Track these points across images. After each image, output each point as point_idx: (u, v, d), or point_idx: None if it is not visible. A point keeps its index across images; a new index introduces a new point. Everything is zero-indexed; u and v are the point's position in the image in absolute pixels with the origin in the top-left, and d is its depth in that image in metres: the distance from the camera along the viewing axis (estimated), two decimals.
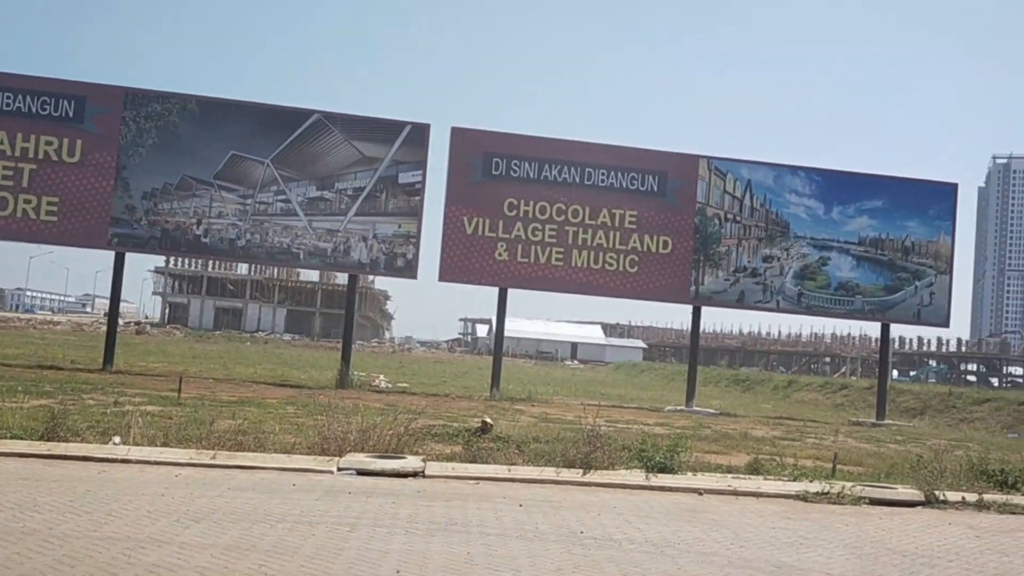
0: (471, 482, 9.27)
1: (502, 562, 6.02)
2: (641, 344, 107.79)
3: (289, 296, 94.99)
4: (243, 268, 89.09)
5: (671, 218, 24.26)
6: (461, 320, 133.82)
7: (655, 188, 24.24)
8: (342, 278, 60.20)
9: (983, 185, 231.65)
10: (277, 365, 33.13)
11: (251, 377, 24.30)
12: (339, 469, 9.37)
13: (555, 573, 5.83)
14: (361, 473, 9.29)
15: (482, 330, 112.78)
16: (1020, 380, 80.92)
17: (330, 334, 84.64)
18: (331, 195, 23.35)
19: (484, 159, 23.61)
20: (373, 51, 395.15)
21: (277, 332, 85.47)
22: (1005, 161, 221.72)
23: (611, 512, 8.11)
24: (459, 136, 23.77)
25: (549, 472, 9.84)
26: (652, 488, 9.54)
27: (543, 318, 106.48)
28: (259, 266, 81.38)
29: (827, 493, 9.61)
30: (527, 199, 23.60)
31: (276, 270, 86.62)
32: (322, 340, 78.27)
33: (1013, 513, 9.39)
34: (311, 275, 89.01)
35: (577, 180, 23.87)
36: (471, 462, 10.24)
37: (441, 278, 23.40)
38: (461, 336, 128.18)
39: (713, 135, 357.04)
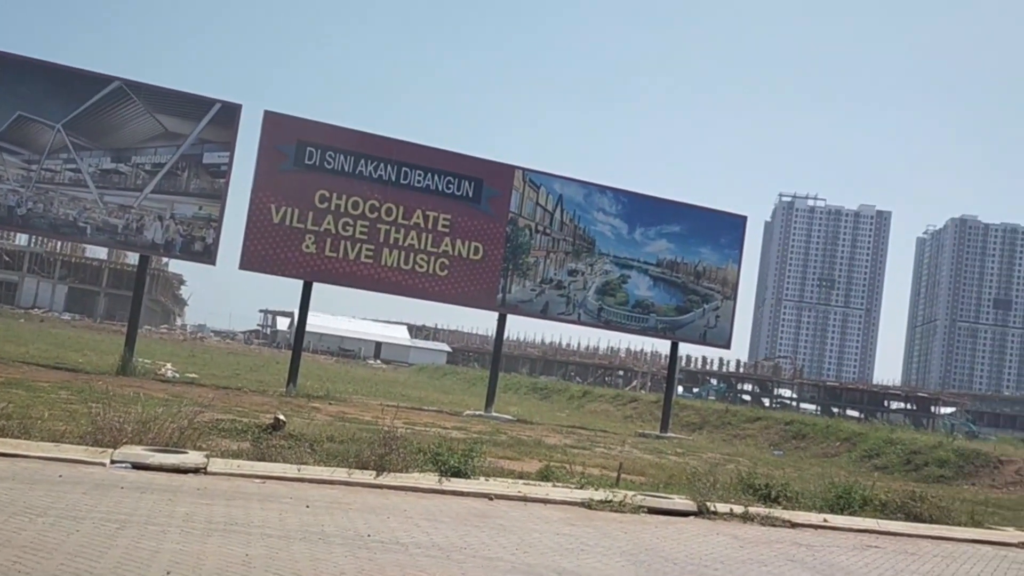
0: (257, 481, 8.92)
1: (282, 565, 5.81)
2: (446, 347, 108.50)
3: (72, 273, 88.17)
4: (22, 239, 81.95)
5: (484, 225, 24.54)
6: (261, 311, 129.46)
7: (470, 194, 24.45)
8: (132, 258, 56.70)
9: (769, 220, 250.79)
10: (53, 346, 30.66)
11: (22, 357, 22.36)
12: (113, 462, 8.75)
13: None
14: (137, 467, 8.72)
15: (283, 323, 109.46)
16: (788, 401, 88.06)
17: (115, 316, 79.32)
18: (127, 169, 21.89)
19: (297, 147, 22.92)
20: (185, 23, 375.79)
21: (56, 310, 79.14)
22: (790, 199, 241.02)
23: (401, 515, 8.04)
24: (272, 121, 22.95)
25: (341, 473, 9.63)
26: (444, 492, 9.56)
27: (348, 315, 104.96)
28: (40, 238, 75.17)
29: (610, 501, 9.99)
30: (340, 192, 23.14)
31: (59, 244, 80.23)
32: (106, 322, 73.25)
33: (774, 526, 10.14)
34: (98, 252, 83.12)
35: (393, 178, 23.68)
36: (259, 460, 9.86)
37: (242, 266, 22.47)
38: (260, 328, 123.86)
39: (528, 147, 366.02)
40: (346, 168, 23.28)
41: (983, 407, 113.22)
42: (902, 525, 11.13)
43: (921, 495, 12.35)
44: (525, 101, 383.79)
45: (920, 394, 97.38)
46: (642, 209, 26.80)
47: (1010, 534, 11.53)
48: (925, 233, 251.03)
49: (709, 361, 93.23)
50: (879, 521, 11.14)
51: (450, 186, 24.23)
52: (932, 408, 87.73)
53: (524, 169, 25.46)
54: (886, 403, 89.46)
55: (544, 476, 11.29)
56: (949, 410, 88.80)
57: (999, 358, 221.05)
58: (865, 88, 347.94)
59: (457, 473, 10.19)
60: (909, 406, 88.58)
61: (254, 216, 22.42)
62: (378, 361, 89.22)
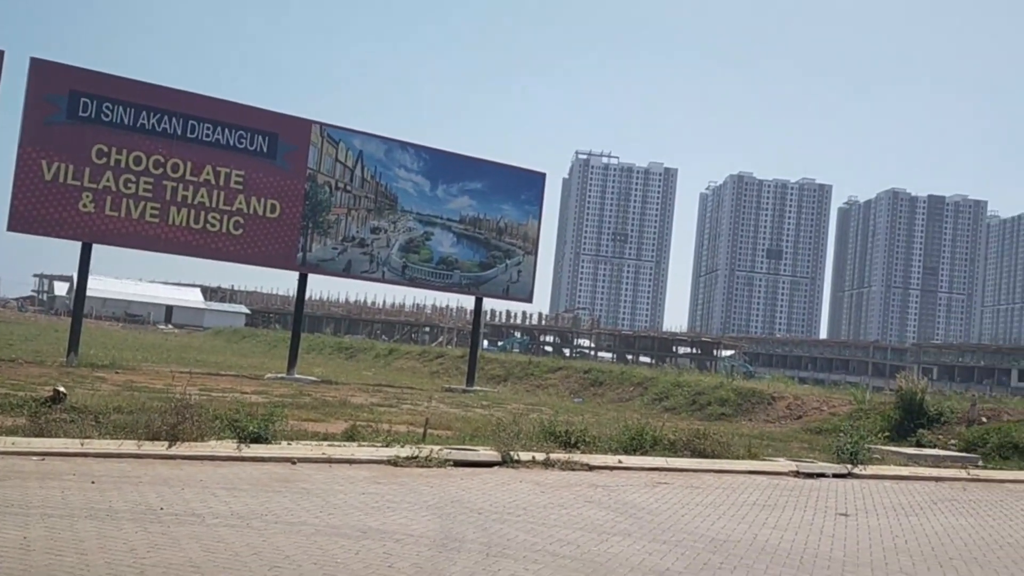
0: (35, 458, 8.27)
1: (66, 546, 5.43)
2: (244, 309, 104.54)
3: None
4: None
5: (280, 182, 23.71)
6: (36, 276, 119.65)
7: (265, 149, 23.51)
8: None
9: (567, 177, 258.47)
10: None
11: None
12: None
13: (128, 554, 5.38)
14: None
15: (61, 288, 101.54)
16: (587, 351, 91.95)
17: None
18: None
19: (70, 98, 21.08)
20: None
21: None
22: (586, 157, 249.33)
23: (197, 486, 7.71)
24: (40, 69, 20.95)
25: (129, 445, 9.09)
26: (244, 459, 9.26)
27: (135, 277, 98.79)
28: None
29: (416, 457, 10.05)
30: (120, 147, 21.55)
31: None
32: None
33: (573, 470, 10.58)
34: None
35: (179, 132, 22.31)
36: (37, 436, 9.15)
37: (11, 228, 20.55)
38: (35, 294, 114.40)
39: (325, 102, 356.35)
40: (126, 121, 21.67)
41: (759, 349, 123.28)
42: (688, 461, 11.93)
43: (704, 433, 13.28)
44: (320, 52, 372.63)
45: (704, 339, 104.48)
46: (444, 166, 26.83)
47: (781, 464, 12.65)
48: (707, 189, 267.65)
49: (513, 315, 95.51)
50: (668, 459, 11.89)
51: (242, 140, 23.16)
52: (714, 351, 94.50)
53: (321, 124, 24.77)
54: (674, 348, 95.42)
55: (350, 436, 11.20)
56: (729, 353, 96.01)
57: (772, 304, 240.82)
58: (653, 48, 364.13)
59: (257, 439, 9.89)
60: (695, 350, 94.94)
61: (22, 173, 20.49)
62: (169, 326, 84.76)
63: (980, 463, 15.06)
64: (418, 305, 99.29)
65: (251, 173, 23.20)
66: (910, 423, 18.33)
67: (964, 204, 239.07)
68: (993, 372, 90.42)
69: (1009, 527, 9.13)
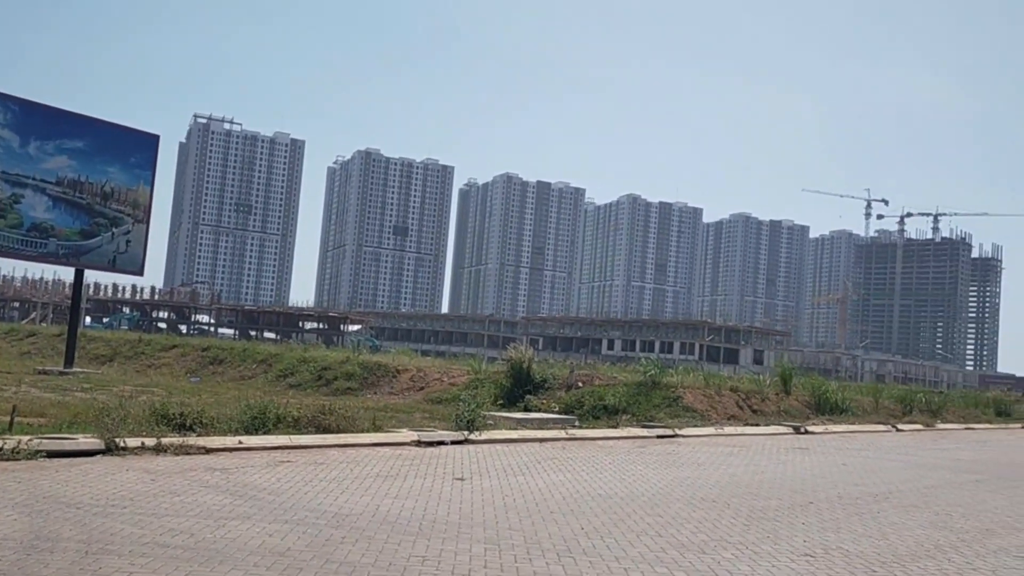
0: None
1: None
2: None
3: None
4: None
5: None
6: None
7: None
8: None
9: (184, 141, 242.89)
10: None
11: None
12: None
13: None
14: None
15: None
16: (205, 327, 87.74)
17: None
18: None
19: None
20: None
21: None
22: (205, 121, 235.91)
23: None
24: None
25: None
26: None
27: None
28: None
29: (1, 449, 8.78)
30: None
31: None
32: None
33: (188, 454, 9.93)
34: None
35: None
36: None
37: None
38: None
39: None
40: None
41: (385, 323, 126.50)
42: (313, 438, 11.80)
43: (330, 408, 13.23)
44: None
45: (331, 314, 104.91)
46: (37, 120, 23.75)
47: (404, 434, 12.99)
48: (335, 163, 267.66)
49: (121, 288, 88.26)
50: (292, 437, 11.64)
51: None
52: (342, 326, 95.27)
53: None
54: (301, 324, 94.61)
55: None
56: (356, 328, 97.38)
57: (398, 279, 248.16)
58: (287, 15, 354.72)
59: None
60: (322, 326, 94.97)
61: None
62: None
63: (577, 423, 16.77)
64: (5, 277, 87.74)
65: None
66: (519, 390, 19.91)
67: (567, 191, 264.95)
68: (588, 342, 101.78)
69: (599, 480, 10.23)
